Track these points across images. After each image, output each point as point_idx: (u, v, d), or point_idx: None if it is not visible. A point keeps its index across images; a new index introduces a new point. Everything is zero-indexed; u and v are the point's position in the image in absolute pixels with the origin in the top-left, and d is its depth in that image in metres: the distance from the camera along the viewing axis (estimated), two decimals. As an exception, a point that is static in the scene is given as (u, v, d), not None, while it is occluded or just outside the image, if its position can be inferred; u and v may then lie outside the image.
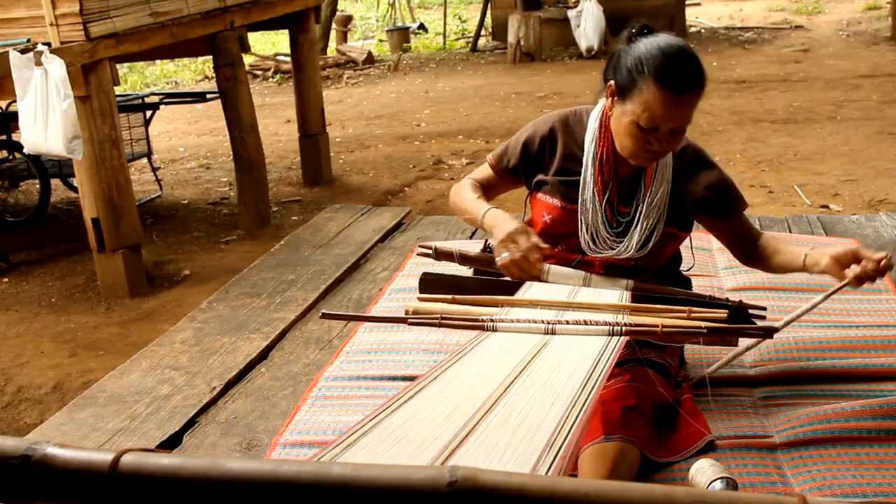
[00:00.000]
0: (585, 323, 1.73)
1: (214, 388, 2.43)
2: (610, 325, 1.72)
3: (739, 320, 1.95)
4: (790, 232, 3.44)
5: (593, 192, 2.05)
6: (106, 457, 0.71)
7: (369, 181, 6.79)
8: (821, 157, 6.45)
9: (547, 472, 1.16)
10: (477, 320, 1.78)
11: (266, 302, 3.04)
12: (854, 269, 1.87)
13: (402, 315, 1.88)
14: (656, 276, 2.11)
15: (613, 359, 1.58)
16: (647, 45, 1.91)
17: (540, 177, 2.14)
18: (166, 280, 5.01)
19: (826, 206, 5.34)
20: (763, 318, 2.04)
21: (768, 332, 1.82)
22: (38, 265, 5.43)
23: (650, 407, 1.90)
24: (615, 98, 1.97)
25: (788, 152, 6.61)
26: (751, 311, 2.02)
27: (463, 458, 1.17)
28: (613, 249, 2.05)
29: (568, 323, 1.73)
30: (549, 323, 1.73)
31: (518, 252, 1.92)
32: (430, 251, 2.15)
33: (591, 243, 2.06)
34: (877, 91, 8.39)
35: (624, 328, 1.71)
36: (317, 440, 2.06)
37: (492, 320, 1.76)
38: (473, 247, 2.28)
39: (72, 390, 3.75)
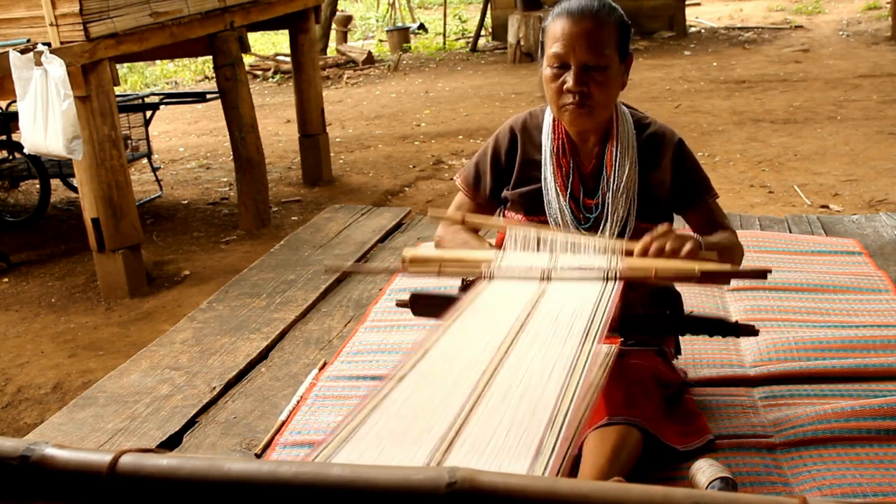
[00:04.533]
0: (581, 269, 1.68)
1: (214, 388, 2.43)
2: (605, 269, 1.67)
3: (731, 333, 1.91)
4: (790, 232, 3.44)
5: (555, 188, 1.99)
6: (104, 457, 0.71)
7: (369, 181, 6.79)
8: (821, 157, 6.44)
9: (550, 457, 1.15)
10: (475, 267, 1.74)
11: (266, 302, 3.04)
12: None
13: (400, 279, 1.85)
14: (643, 287, 1.99)
15: (611, 310, 1.53)
16: None
17: (504, 192, 2.07)
18: (166, 280, 5.01)
19: (826, 206, 5.34)
20: (756, 333, 2.01)
21: (762, 274, 1.74)
22: (38, 265, 5.43)
23: (652, 385, 1.89)
24: (540, 67, 1.96)
25: (788, 152, 6.61)
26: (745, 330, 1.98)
27: (467, 444, 1.16)
28: None
29: (563, 269, 1.69)
30: (545, 270, 1.69)
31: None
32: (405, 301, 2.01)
33: None
34: (877, 91, 8.39)
35: (619, 272, 1.65)
36: (317, 440, 2.05)
37: (489, 266, 1.72)
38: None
39: (72, 390, 3.75)
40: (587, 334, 1.44)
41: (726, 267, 1.72)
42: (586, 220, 1.98)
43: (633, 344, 1.94)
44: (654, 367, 1.92)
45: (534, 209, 2.01)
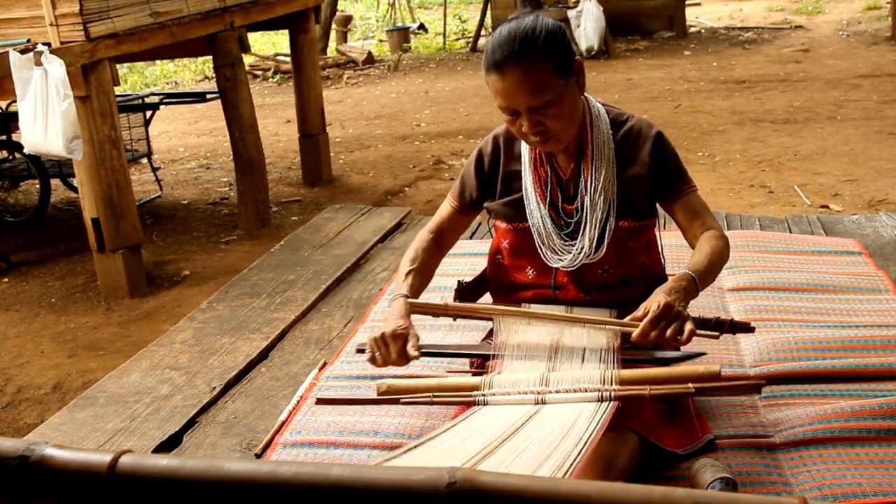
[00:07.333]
0: (575, 391, 1.72)
1: (214, 388, 2.43)
2: (599, 391, 1.70)
3: (726, 331, 1.92)
4: (790, 232, 3.44)
5: (535, 196, 2.00)
6: (104, 458, 0.71)
7: (369, 181, 6.79)
8: (821, 157, 6.44)
9: None
10: (468, 395, 1.78)
11: (266, 302, 3.04)
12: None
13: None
14: (639, 288, 2.01)
15: (604, 424, 1.59)
16: None
17: (487, 203, 2.09)
18: (166, 280, 5.01)
19: (826, 206, 5.33)
20: (752, 330, 2.00)
21: (755, 388, 1.78)
22: (38, 265, 5.43)
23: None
24: None
25: (788, 152, 6.61)
26: (740, 329, 1.98)
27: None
28: (570, 253, 1.97)
29: (558, 392, 1.73)
30: (539, 394, 1.73)
31: (381, 357, 1.87)
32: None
33: (549, 254, 1.99)
34: (877, 91, 8.39)
35: (613, 393, 1.69)
36: (317, 440, 2.06)
37: (483, 395, 1.76)
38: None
39: (72, 390, 3.75)
40: (580, 441, 1.51)
41: (719, 384, 1.73)
42: (567, 225, 1.99)
43: (629, 347, 1.94)
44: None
45: (516, 218, 2.03)
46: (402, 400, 1.83)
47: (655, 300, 1.76)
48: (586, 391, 1.71)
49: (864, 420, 1.94)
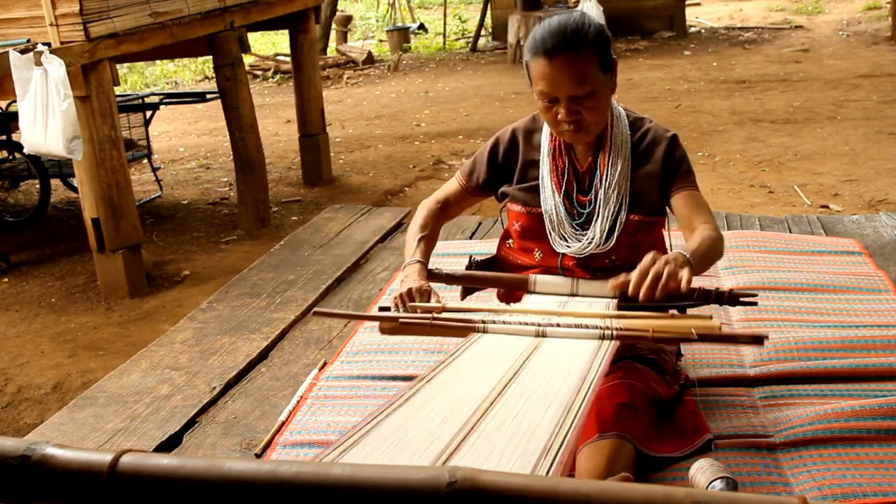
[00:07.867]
0: (576, 327, 1.72)
1: (214, 388, 2.43)
2: (601, 328, 1.70)
3: (725, 302, 1.92)
4: (790, 232, 3.44)
5: (551, 185, 2.07)
6: (105, 457, 0.71)
7: (369, 181, 6.79)
8: (821, 157, 6.44)
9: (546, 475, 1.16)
10: (468, 322, 1.78)
11: (266, 302, 3.04)
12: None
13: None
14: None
15: (606, 364, 1.57)
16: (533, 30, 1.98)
17: (504, 188, 2.16)
18: (166, 280, 5.01)
19: (826, 206, 5.33)
20: (755, 304, 1.98)
21: (758, 340, 1.76)
22: (38, 265, 5.43)
23: (644, 402, 1.90)
24: (531, 87, 1.99)
25: (788, 152, 6.61)
26: (742, 299, 1.96)
27: (460, 464, 1.18)
28: (580, 242, 2.02)
29: (559, 326, 1.73)
30: (539, 325, 1.72)
31: (404, 308, 1.90)
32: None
33: (558, 240, 2.06)
34: (877, 91, 8.39)
35: (615, 332, 1.69)
36: (317, 440, 2.06)
37: (483, 322, 1.77)
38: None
39: (72, 390, 3.75)
40: (582, 384, 1.47)
41: (719, 331, 1.74)
42: (579, 215, 2.06)
43: (628, 357, 1.94)
44: (645, 386, 1.91)
45: (531, 203, 2.10)
46: (400, 321, 1.85)
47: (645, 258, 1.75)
48: (587, 328, 1.70)
49: (864, 420, 1.94)
